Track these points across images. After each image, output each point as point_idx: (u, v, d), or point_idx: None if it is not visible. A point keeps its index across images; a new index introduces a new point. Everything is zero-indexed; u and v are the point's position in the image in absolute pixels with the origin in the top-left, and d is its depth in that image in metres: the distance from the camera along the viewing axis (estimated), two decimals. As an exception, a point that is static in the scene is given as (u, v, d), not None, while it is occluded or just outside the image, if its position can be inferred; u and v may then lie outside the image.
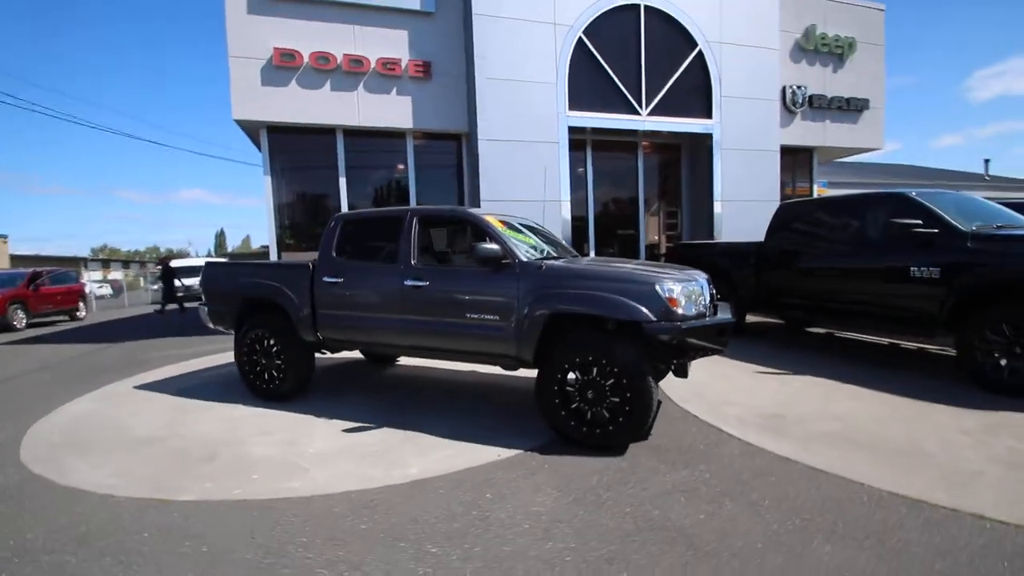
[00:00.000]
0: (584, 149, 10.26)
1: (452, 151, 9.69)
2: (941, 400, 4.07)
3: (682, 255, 7.85)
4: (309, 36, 8.29)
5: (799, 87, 11.42)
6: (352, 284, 4.26)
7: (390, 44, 8.70)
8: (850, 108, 11.94)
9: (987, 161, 28.13)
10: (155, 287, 28.68)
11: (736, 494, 2.71)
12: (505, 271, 3.65)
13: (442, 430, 3.80)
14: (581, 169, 10.28)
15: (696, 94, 10.14)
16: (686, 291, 3.29)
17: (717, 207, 10.34)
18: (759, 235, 10.20)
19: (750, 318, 7.56)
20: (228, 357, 6.87)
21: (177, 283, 14.30)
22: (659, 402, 3.54)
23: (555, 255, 4.16)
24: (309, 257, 8.54)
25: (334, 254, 4.40)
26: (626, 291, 3.26)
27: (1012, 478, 2.77)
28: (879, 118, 12.35)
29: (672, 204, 11.48)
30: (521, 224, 4.46)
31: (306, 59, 8.26)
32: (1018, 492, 2.62)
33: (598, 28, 9.38)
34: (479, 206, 8.60)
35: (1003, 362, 4.21)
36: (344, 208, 8.97)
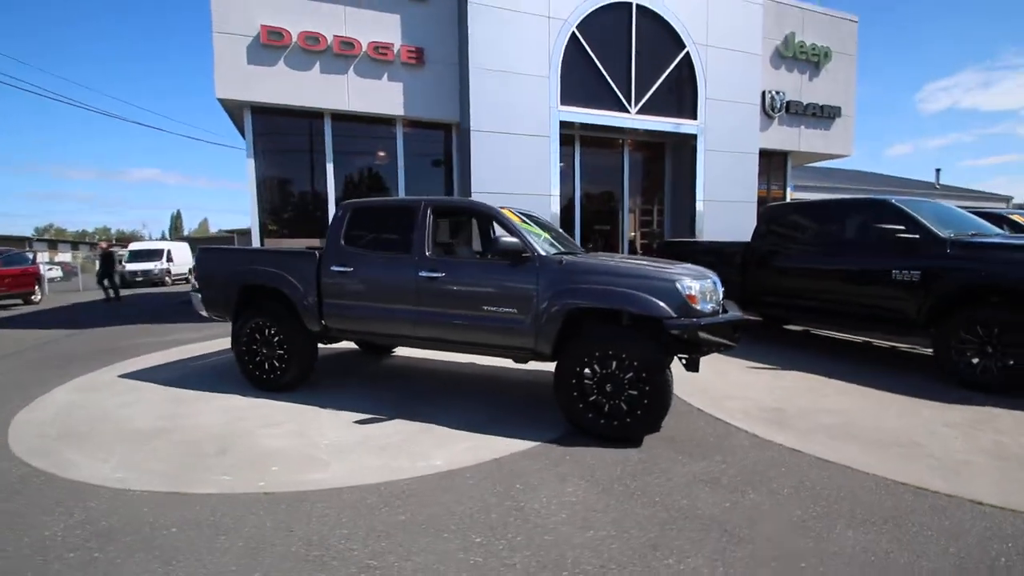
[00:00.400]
0: (572, 144, 10.33)
1: (441, 141, 9.59)
2: (922, 395, 4.35)
3: (665, 253, 8.04)
4: (298, 15, 8.01)
5: (778, 92, 11.82)
6: (362, 274, 4.19)
7: (382, 28, 8.51)
8: (824, 115, 12.46)
9: (938, 171, 29.88)
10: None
11: (756, 484, 2.85)
12: (524, 265, 3.68)
13: (455, 422, 3.81)
14: (562, 164, 10.34)
15: (683, 95, 10.36)
16: (703, 288, 3.40)
17: (699, 206, 10.62)
18: (738, 234, 10.56)
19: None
20: (215, 346, 6.68)
21: (131, 267, 13.64)
22: (671, 395, 3.66)
23: (564, 250, 4.21)
24: (292, 244, 8.39)
25: (342, 243, 4.32)
26: (647, 287, 3.34)
27: (1000, 467, 3.01)
28: (850, 126, 12.94)
29: (650, 202, 11.71)
30: (530, 218, 4.48)
31: (295, 39, 7.98)
32: (1008, 480, 2.85)
33: (591, 24, 9.44)
34: (470, 197, 8.56)
35: (975, 360, 4.54)
36: (331, 195, 8.76)
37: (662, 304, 3.27)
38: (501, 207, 4.09)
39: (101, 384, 4.95)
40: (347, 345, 6.10)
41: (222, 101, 7.94)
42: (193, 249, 27.41)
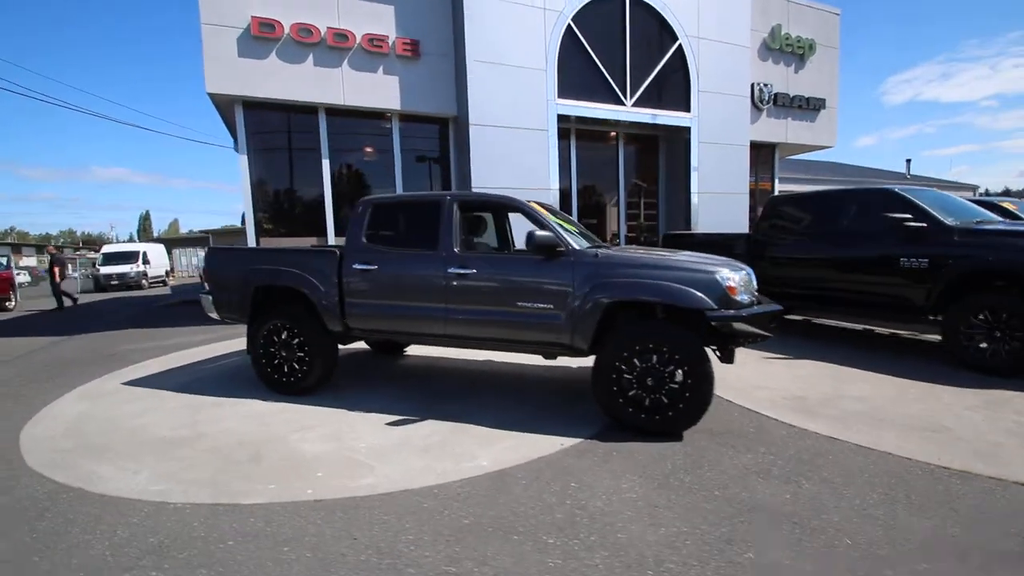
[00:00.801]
0: (568, 138, 10.30)
1: (438, 135, 9.44)
2: (936, 380, 4.47)
3: (668, 245, 8.09)
4: (290, 6, 7.77)
5: (765, 85, 11.99)
6: (387, 272, 4.09)
7: (376, 20, 8.32)
8: (809, 107, 12.70)
9: (908, 161, 30.86)
10: (76, 275, 26.29)
11: (807, 473, 2.88)
12: (559, 259, 3.63)
13: (489, 420, 3.76)
14: (559, 157, 10.33)
15: (676, 87, 10.42)
16: (741, 279, 3.42)
17: (694, 198, 10.73)
18: (731, 226, 10.73)
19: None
20: (217, 349, 6.47)
21: (106, 270, 13.15)
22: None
23: (595, 243, 4.19)
24: (290, 242, 8.17)
25: (364, 240, 4.20)
26: (687, 279, 3.34)
27: (1034, 448, 3.10)
28: (834, 117, 13.23)
29: (645, 194, 11.78)
30: (553, 212, 4.44)
31: (287, 30, 7.74)
32: (1045, 460, 2.94)
33: (586, 16, 9.40)
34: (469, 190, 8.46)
35: (983, 345, 4.68)
36: (327, 192, 8.56)
37: (704, 296, 3.27)
38: (530, 201, 4.03)
39: (107, 392, 4.74)
40: (358, 346, 5.98)
41: (212, 96, 7.65)
42: (169, 250, 26.57)
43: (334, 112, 8.51)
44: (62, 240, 68.22)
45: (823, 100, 12.84)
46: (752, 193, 12.14)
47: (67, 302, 12.38)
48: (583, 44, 9.41)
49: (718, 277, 3.32)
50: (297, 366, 4.36)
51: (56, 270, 12.17)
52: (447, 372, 5.20)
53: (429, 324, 4.01)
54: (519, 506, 2.59)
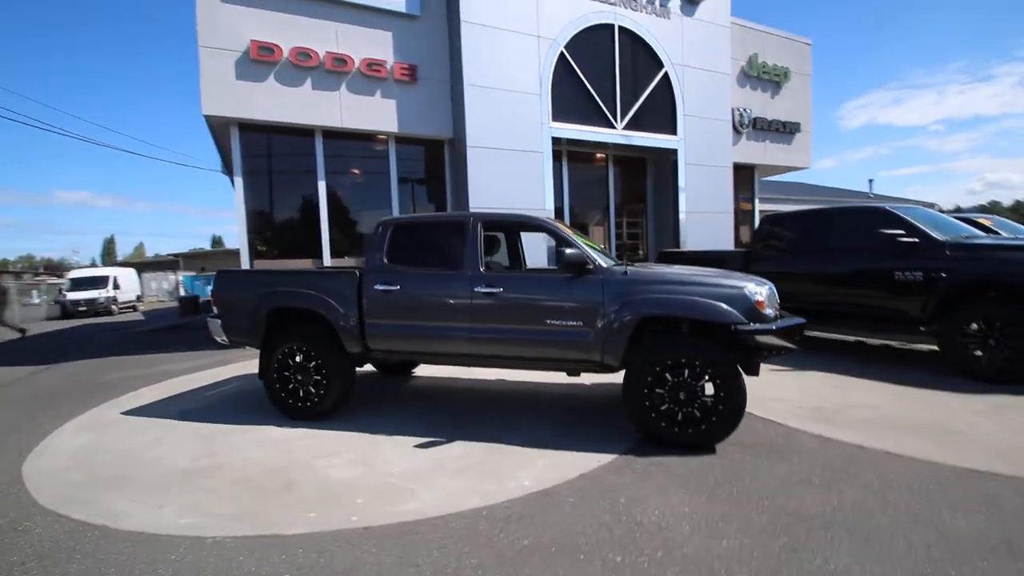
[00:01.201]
0: (561, 160, 10.50)
1: (434, 157, 9.50)
2: (937, 388, 4.64)
3: (664, 263, 8.24)
4: (289, 30, 7.79)
5: (745, 110, 12.52)
6: (410, 292, 4.06)
7: (374, 45, 8.40)
8: (785, 130, 13.28)
9: (871, 181, 32.48)
10: (37, 301, 25.10)
11: (846, 481, 2.93)
12: (587, 277, 3.67)
13: (518, 439, 3.73)
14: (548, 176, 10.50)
15: (663, 112, 10.78)
16: (767, 294, 3.51)
17: (682, 217, 11.01)
18: (717, 244, 11.03)
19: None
20: (213, 375, 6.25)
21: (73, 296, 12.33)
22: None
23: (613, 261, 4.25)
24: (281, 265, 8.02)
25: (385, 260, 4.17)
26: (717, 295, 3.42)
27: (1050, 450, 3.23)
28: (808, 140, 13.86)
29: (635, 215, 12.04)
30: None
31: (286, 54, 7.74)
32: (1064, 461, 3.07)
33: (578, 44, 9.70)
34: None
35: (978, 353, 4.89)
36: (323, 214, 8.48)
37: (734, 311, 3.35)
38: (554, 220, 4.08)
39: (107, 423, 4.51)
40: (364, 368, 5.86)
41: (208, 118, 7.55)
42: (138, 275, 25.69)
43: (331, 134, 8.49)
44: (20, 265, 65.24)
45: (798, 124, 13.46)
46: (734, 213, 12.53)
47: (12, 334, 11.37)
48: (575, 70, 9.69)
49: (747, 292, 3.41)
50: (313, 390, 4.25)
51: None
52: (460, 392, 5.14)
53: (454, 344, 3.98)
54: (575, 525, 2.56)
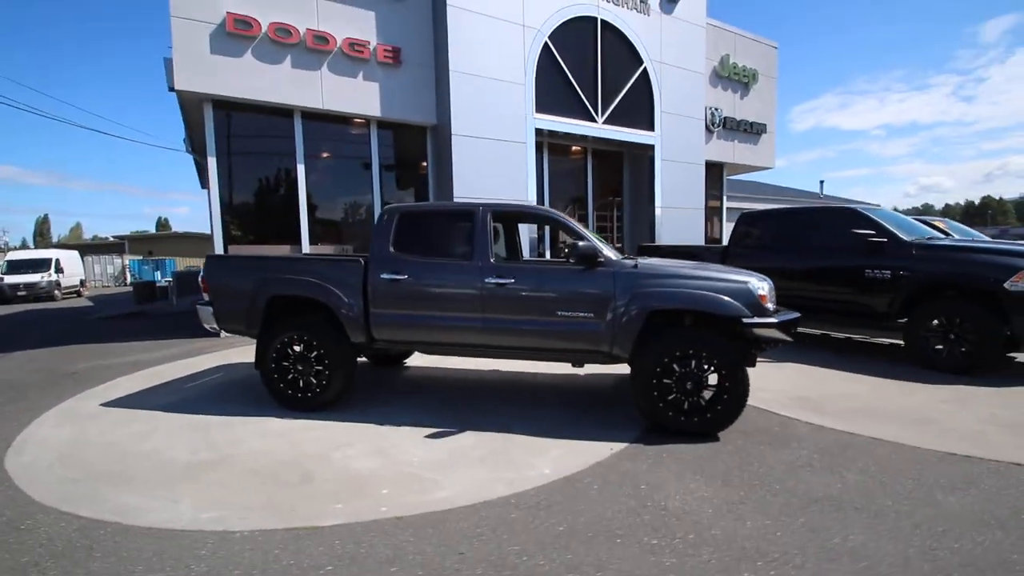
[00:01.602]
0: (541, 151, 10.53)
1: (417, 144, 9.33)
2: (905, 378, 5.00)
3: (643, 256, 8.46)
4: (268, 4, 7.44)
5: (716, 109, 12.91)
6: (418, 281, 4.02)
7: (357, 25, 8.14)
8: (752, 131, 13.80)
9: (822, 182, 34.22)
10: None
11: (844, 464, 3.15)
12: (598, 269, 3.75)
13: (527, 429, 3.79)
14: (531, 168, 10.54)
15: (642, 108, 10.98)
16: (768, 289, 3.69)
17: (658, 212, 11.30)
18: (690, 238, 11.39)
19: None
20: (193, 366, 6.01)
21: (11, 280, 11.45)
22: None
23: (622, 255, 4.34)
24: (261, 251, 7.71)
25: (392, 249, 4.11)
26: (723, 289, 3.57)
27: (1009, 433, 3.57)
28: (772, 141, 14.45)
29: (611, 208, 12.26)
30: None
31: (264, 29, 7.39)
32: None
33: (561, 35, 9.72)
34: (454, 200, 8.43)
35: (938, 347, 5.31)
36: (302, 199, 8.20)
37: (740, 304, 3.51)
38: (560, 213, 4.13)
39: (88, 415, 4.26)
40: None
41: (180, 93, 7.13)
42: (83, 257, 24.03)
43: (310, 116, 8.19)
44: (-64, 246, 59.38)
45: (764, 125, 14.01)
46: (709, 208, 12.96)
47: None
48: (559, 62, 9.71)
49: (751, 287, 3.58)
50: (315, 380, 4.16)
51: None
52: (456, 382, 5.14)
53: (464, 334, 3.98)
54: (604, 510, 2.65)
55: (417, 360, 5.97)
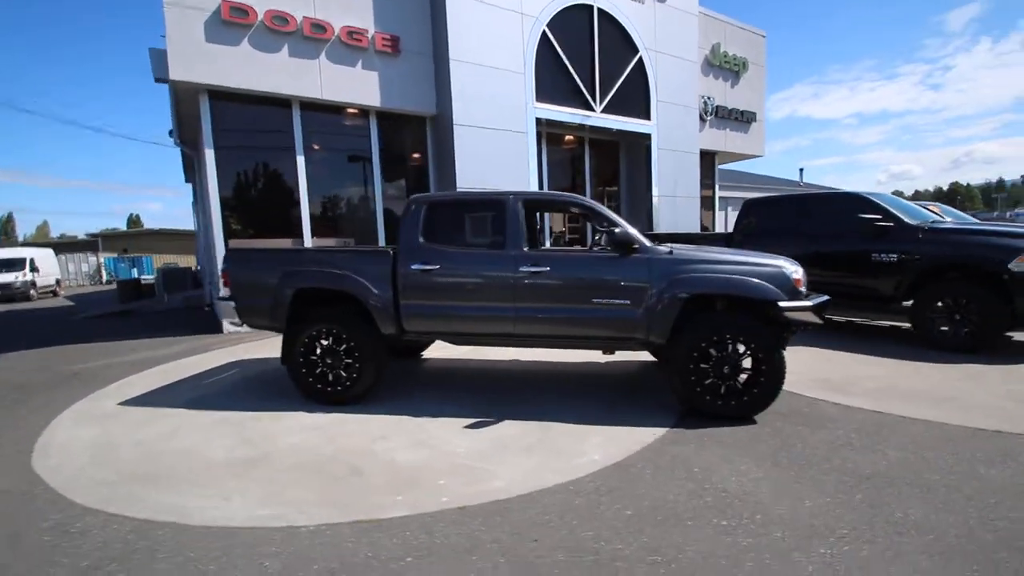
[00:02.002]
0: (540, 141, 10.47)
1: (417, 135, 9.19)
2: (914, 358, 5.14)
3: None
4: (264, -9, 7.20)
5: (708, 98, 13.01)
6: (450, 272, 3.97)
7: (354, 13, 7.95)
8: (743, 119, 13.96)
9: (801, 170, 34.80)
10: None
11: (883, 443, 3.23)
12: (633, 256, 3.75)
13: (565, 416, 3.80)
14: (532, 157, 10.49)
15: (638, 96, 11.00)
16: (802, 273, 3.75)
17: (655, 201, 11.37)
18: (686, 226, 11.50)
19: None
20: (205, 362, 5.89)
21: None
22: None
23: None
24: (263, 244, 7.54)
25: (421, 239, 4.05)
26: (760, 274, 3.61)
27: (1030, 408, 3.70)
28: (762, 130, 14.64)
29: (608, 197, 12.29)
30: None
31: (260, 16, 7.17)
32: (1048, 417, 3.53)
33: (559, 23, 9.65)
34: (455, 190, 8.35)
35: (944, 328, 5.47)
36: (303, 191, 8.02)
37: (777, 289, 3.55)
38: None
39: (107, 414, 4.12)
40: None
41: (174, 84, 6.88)
42: (58, 255, 23.18)
43: (309, 107, 7.99)
44: None
45: (754, 113, 14.18)
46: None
47: None
48: (557, 51, 9.65)
49: (786, 271, 3.63)
50: (344, 374, 4.09)
51: None
52: (479, 373, 5.12)
53: (498, 324, 3.95)
54: (665, 494, 2.67)
55: (433, 351, 5.92)
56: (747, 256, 3.84)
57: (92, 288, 25.77)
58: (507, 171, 9.04)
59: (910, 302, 5.82)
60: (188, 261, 34.15)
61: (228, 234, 7.58)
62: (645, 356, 5.48)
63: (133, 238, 39.14)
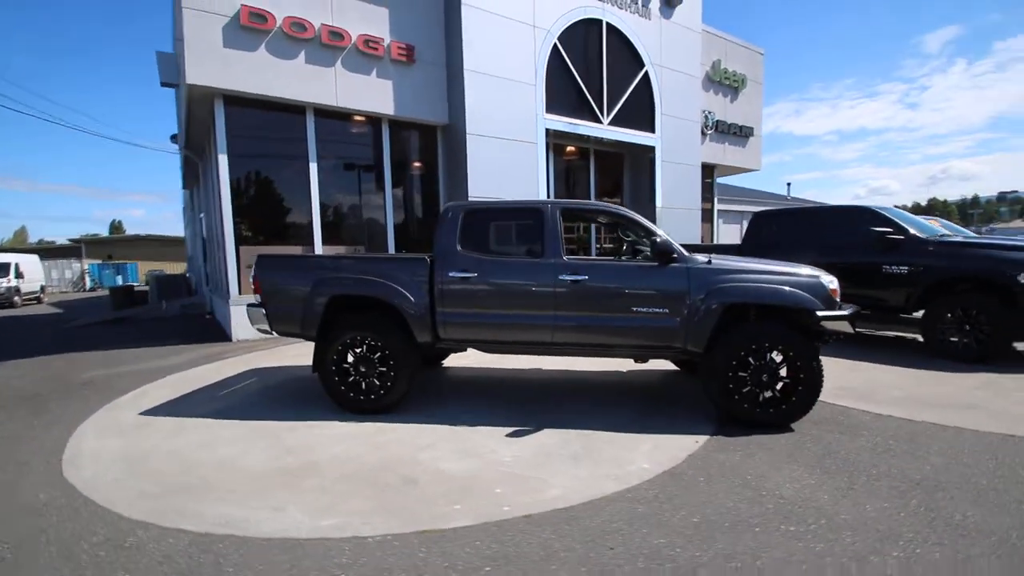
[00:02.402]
0: (548, 151, 10.56)
1: (428, 144, 9.21)
2: (929, 368, 5.25)
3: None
4: (281, -2, 7.20)
5: (709, 113, 13.27)
6: (488, 279, 3.96)
7: (370, 21, 7.98)
8: (741, 134, 14.24)
9: (789, 184, 35.52)
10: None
11: (922, 449, 3.28)
12: (674, 265, 3.79)
13: (602, 425, 3.80)
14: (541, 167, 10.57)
15: (643, 109, 11.17)
16: (837, 283, 3.82)
17: (659, 212, 11.51)
18: (688, 238, 11.62)
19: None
20: (219, 371, 5.78)
21: None
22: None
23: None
24: (269, 251, 7.45)
25: (459, 247, 4.04)
26: (798, 284, 3.67)
27: (1058, 416, 3.80)
28: (759, 145, 14.95)
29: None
30: None
31: (279, 23, 7.16)
32: (1075, 425, 3.62)
33: (569, 37, 9.80)
34: (467, 199, 8.37)
35: (953, 339, 5.61)
36: (315, 198, 7.98)
37: (814, 299, 3.62)
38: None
39: (131, 425, 4.01)
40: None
41: (189, 88, 6.81)
42: (43, 260, 22.59)
43: (323, 114, 7.97)
44: None
45: (752, 128, 14.49)
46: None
47: None
48: (567, 63, 9.78)
49: (823, 281, 3.70)
50: (378, 382, 4.05)
51: None
52: (506, 382, 5.09)
53: (537, 332, 3.95)
54: (724, 501, 2.68)
55: (453, 360, 5.89)
56: (782, 266, 3.90)
57: (76, 295, 25.14)
58: (517, 181, 9.09)
59: (920, 313, 5.98)
60: (175, 268, 33.60)
61: (239, 240, 7.48)
62: (666, 365, 5.53)
63: (118, 244, 38.38)
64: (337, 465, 3.19)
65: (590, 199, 11.58)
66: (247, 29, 6.92)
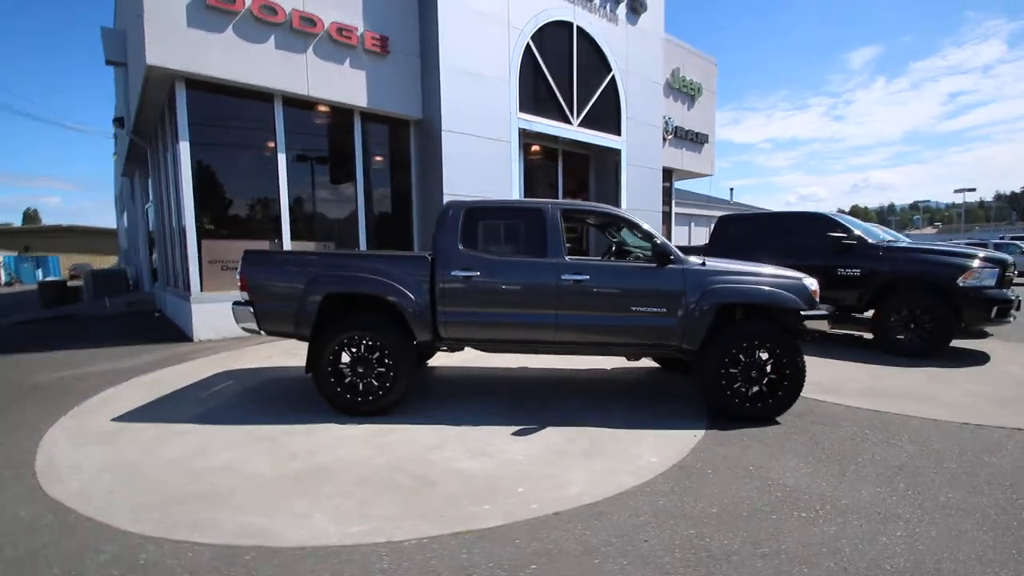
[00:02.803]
0: (520, 150, 10.61)
1: (400, 138, 9.02)
2: (880, 363, 5.73)
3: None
4: (252, -21, 6.83)
5: (669, 119, 13.76)
6: (491, 278, 3.97)
7: (344, 9, 7.73)
8: (697, 140, 14.88)
9: (732, 190, 37.47)
10: None
11: (894, 438, 3.60)
12: (671, 266, 3.95)
13: (600, 421, 3.91)
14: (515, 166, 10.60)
15: (610, 113, 11.45)
16: (817, 285, 4.11)
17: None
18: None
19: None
20: (191, 372, 5.49)
21: None
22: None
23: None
24: (236, 246, 7.08)
25: (460, 246, 4.02)
26: (785, 285, 3.92)
27: (992, 404, 4.26)
28: (712, 151, 15.66)
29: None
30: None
31: (248, 4, 6.81)
32: (1010, 412, 4.08)
33: (541, 37, 9.88)
34: (441, 196, 8.29)
35: (900, 336, 6.16)
36: (283, 191, 7.64)
37: (799, 299, 3.88)
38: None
39: (107, 432, 3.72)
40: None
41: (150, 68, 6.34)
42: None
43: (292, 103, 7.64)
44: None
45: (706, 135, 15.16)
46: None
47: None
48: (539, 64, 9.86)
49: (806, 283, 3.97)
50: (376, 383, 3.96)
51: None
52: (497, 380, 5.11)
53: (539, 331, 4.00)
54: (736, 492, 2.83)
55: (438, 360, 5.84)
56: (770, 269, 4.15)
57: (-13, 290, 22.76)
58: (492, 179, 9.10)
59: (870, 312, 6.52)
60: (103, 262, 31.03)
61: (201, 234, 7.05)
62: (648, 363, 5.73)
63: (35, 235, 35.08)
64: (347, 469, 3.11)
65: (557, 197, 11.74)
66: (213, 9, 6.52)
